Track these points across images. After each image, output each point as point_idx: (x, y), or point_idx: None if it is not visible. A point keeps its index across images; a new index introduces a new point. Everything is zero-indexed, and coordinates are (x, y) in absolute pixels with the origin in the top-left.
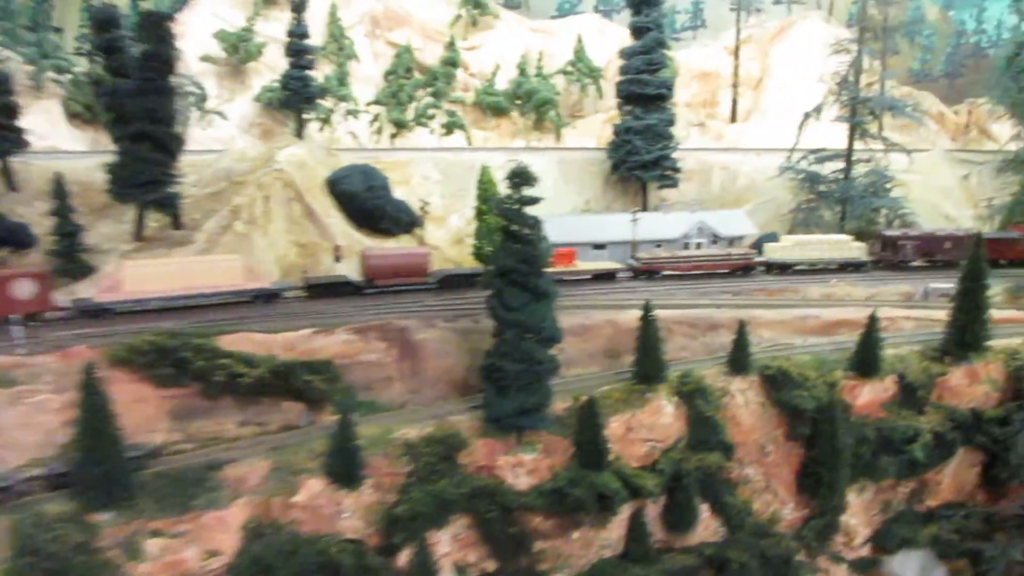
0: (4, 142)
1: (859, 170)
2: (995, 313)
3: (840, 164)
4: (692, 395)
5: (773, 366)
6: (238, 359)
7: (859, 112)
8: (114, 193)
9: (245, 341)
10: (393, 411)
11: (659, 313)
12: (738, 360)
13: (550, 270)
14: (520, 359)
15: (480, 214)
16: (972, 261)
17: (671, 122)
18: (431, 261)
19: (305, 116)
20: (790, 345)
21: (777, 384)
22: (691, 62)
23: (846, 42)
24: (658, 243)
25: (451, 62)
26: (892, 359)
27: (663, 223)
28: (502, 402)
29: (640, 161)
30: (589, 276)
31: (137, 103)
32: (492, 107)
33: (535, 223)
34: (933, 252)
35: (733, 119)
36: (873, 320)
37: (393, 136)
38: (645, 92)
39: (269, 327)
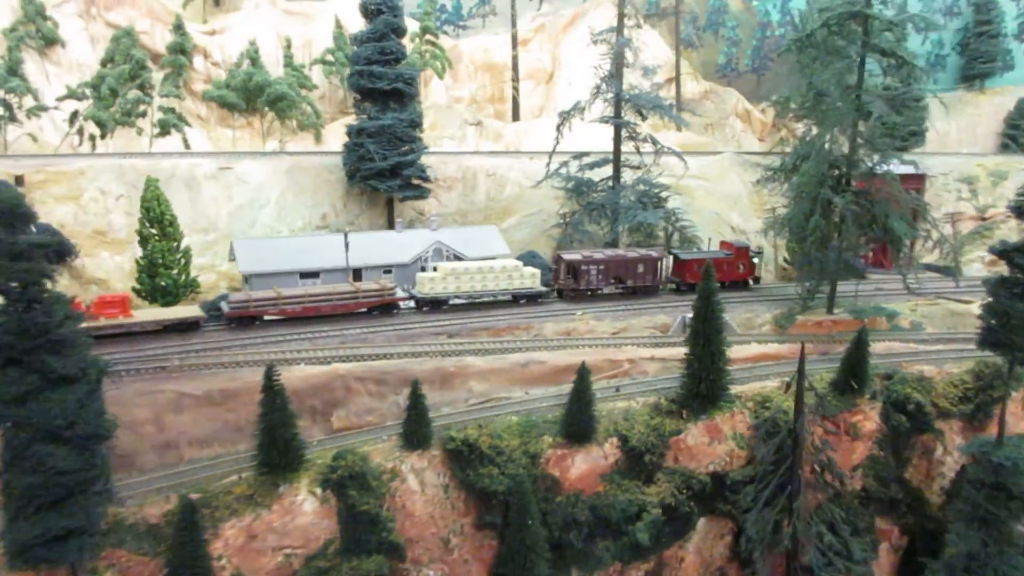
0: None
1: (631, 177)
2: (755, 348)
3: (611, 170)
4: (344, 483)
5: (458, 437)
6: None
7: (625, 111)
8: None
9: None
10: None
11: (337, 367)
12: (414, 431)
13: (89, 325)
14: (34, 469)
15: (144, 240)
16: (702, 295)
17: (415, 122)
18: None
19: None
20: (506, 399)
21: (463, 460)
22: (476, 53)
23: (605, 32)
24: (387, 268)
25: (179, 48)
26: (617, 416)
27: (393, 245)
28: (19, 528)
29: (374, 169)
30: (150, 330)
31: None
32: (219, 103)
33: (43, 275)
34: (624, 277)
35: (516, 117)
36: (583, 372)
37: (98, 138)
38: (377, 87)
39: None
